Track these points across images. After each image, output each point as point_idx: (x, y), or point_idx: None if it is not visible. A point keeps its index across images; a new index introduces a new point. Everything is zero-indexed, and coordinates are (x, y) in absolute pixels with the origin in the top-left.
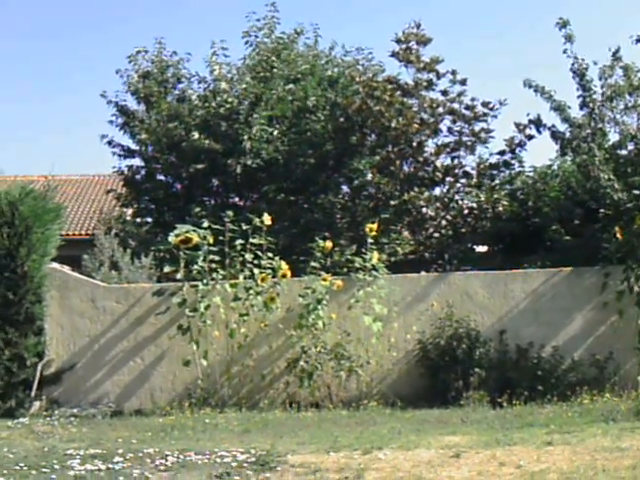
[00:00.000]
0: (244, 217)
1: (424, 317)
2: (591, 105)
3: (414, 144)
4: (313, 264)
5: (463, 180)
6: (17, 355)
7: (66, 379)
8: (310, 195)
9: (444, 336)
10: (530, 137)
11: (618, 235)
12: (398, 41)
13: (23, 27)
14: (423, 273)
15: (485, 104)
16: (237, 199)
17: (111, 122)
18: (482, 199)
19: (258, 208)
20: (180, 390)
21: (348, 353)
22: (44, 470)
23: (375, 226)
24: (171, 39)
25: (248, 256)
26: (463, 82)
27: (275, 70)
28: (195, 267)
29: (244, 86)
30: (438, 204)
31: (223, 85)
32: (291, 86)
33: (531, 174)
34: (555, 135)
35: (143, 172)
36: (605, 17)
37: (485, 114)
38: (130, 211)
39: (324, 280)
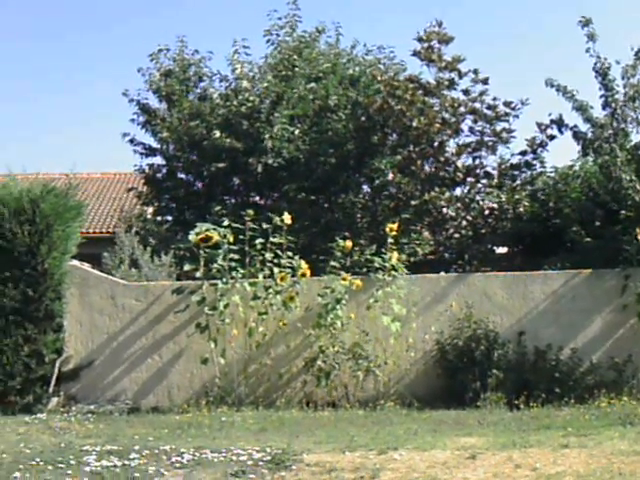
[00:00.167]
0: (264, 216)
1: (443, 318)
2: (613, 105)
3: (435, 144)
4: (333, 264)
5: (484, 180)
6: (36, 351)
7: (84, 376)
8: (331, 194)
9: (462, 337)
10: (552, 137)
11: (639, 237)
12: (420, 40)
13: (42, 24)
14: (442, 274)
15: (507, 104)
16: (258, 198)
17: (133, 120)
18: (503, 200)
19: (279, 207)
20: (197, 388)
21: (366, 353)
22: (60, 466)
23: (395, 226)
24: (193, 37)
25: (268, 255)
26: (485, 81)
27: (296, 69)
28: (215, 266)
29: (265, 85)
30: (459, 204)
31: (245, 84)
32: (312, 85)
33: (552, 175)
34: (577, 135)
35: (164, 170)
36: (628, 16)
37: (507, 114)
38: (151, 209)
39: (343, 280)
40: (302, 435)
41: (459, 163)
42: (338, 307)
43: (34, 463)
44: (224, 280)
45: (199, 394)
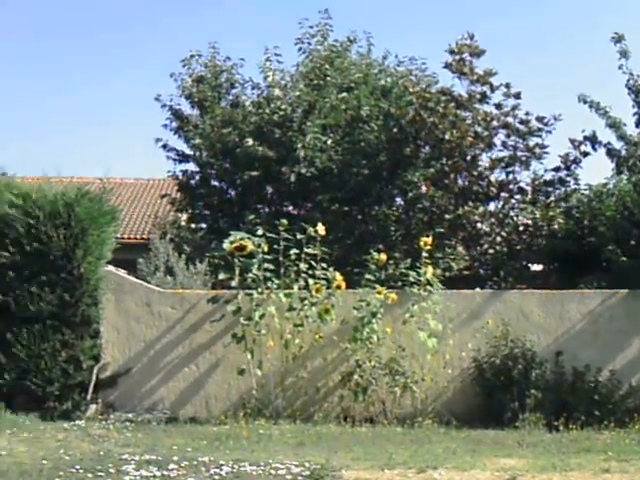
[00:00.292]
0: (298, 226)
1: (479, 334)
2: None
3: (468, 157)
4: (368, 276)
5: (518, 196)
6: (73, 357)
7: (121, 383)
8: (364, 206)
9: (499, 355)
10: (585, 154)
11: None
12: (451, 52)
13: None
14: (478, 290)
15: (539, 119)
16: (291, 207)
17: (165, 126)
18: (537, 216)
19: (312, 217)
20: (235, 399)
21: (403, 369)
22: (99, 474)
23: (430, 240)
24: (225, 44)
25: (302, 266)
26: (517, 96)
27: (328, 78)
28: (250, 275)
29: (297, 93)
30: (493, 220)
31: (277, 92)
32: (344, 95)
33: (586, 192)
34: (611, 153)
35: (197, 177)
36: None
37: (540, 129)
38: (185, 216)
39: (379, 293)
40: (340, 451)
41: (492, 178)
42: (374, 321)
43: (74, 470)
44: (259, 290)
45: (236, 405)
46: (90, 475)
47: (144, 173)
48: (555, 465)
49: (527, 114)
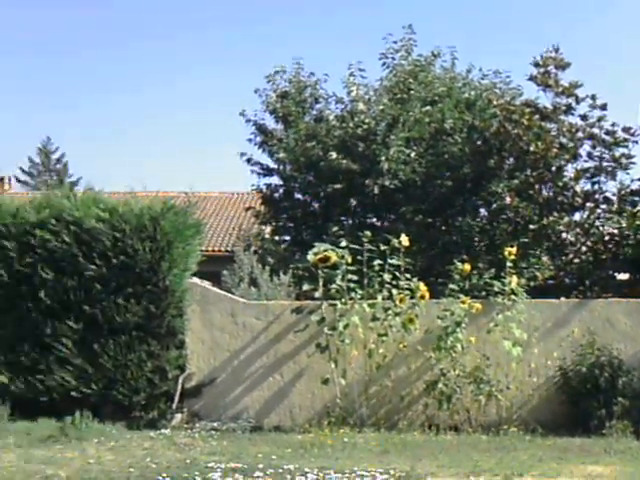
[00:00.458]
0: (381, 237)
1: (565, 343)
2: None
3: (553, 168)
4: (451, 286)
5: (604, 206)
6: (159, 367)
7: (206, 393)
8: (448, 217)
9: (585, 363)
10: None
11: None
12: (536, 65)
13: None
14: (563, 299)
15: (626, 129)
16: (374, 219)
17: (250, 140)
18: (623, 225)
19: (396, 229)
20: (319, 408)
21: (487, 377)
22: None
23: (514, 250)
24: (309, 60)
25: (386, 276)
26: (603, 107)
27: (412, 92)
28: (333, 286)
29: (381, 107)
30: (578, 229)
31: (360, 106)
32: (428, 108)
33: None
34: None
35: (281, 190)
36: None
37: (626, 139)
38: (269, 229)
39: (463, 303)
40: (425, 458)
41: (578, 188)
42: (458, 330)
43: (160, 478)
44: (343, 300)
45: (320, 414)
46: None
47: (229, 187)
48: None
49: (613, 125)
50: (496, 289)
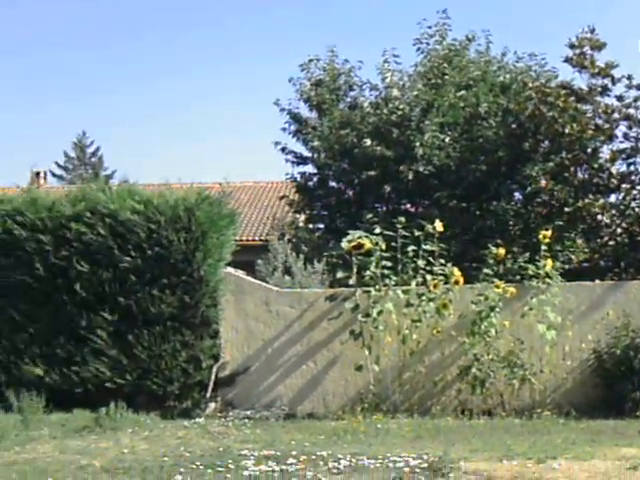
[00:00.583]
0: (416, 223)
1: (599, 326)
2: None
3: (588, 150)
4: (486, 271)
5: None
6: (193, 357)
7: (240, 382)
8: (482, 202)
9: (620, 346)
10: None
11: None
12: (572, 46)
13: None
14: (598, 281)
15: None
16: (409, 205)
17: (284, 129)
18: None
19: (430, 214)
20: (352, 395)
21: (521, 361)
22: (219, 469)
23: (549, 233)
24: (342, 47)
25: (420, 262)
26: (639, 87)
27: (446, 77)
28: (367, 273)
29: (416, 93)
30: (613, 211)
31: (395, 92)
32: (463, 93)
33: None
34: None
35: (316, 179)
36: None
37: None
38: (303, 217)
39: (497, 287)
40: (458, 443)
41: (613, 170)
42: (492, 315)
43: (194, 466)
44: (377, 287)
45: (354, 401)
46: (210, 471)
47: (263, 176)
48: None
49: None
50: (530, 273)
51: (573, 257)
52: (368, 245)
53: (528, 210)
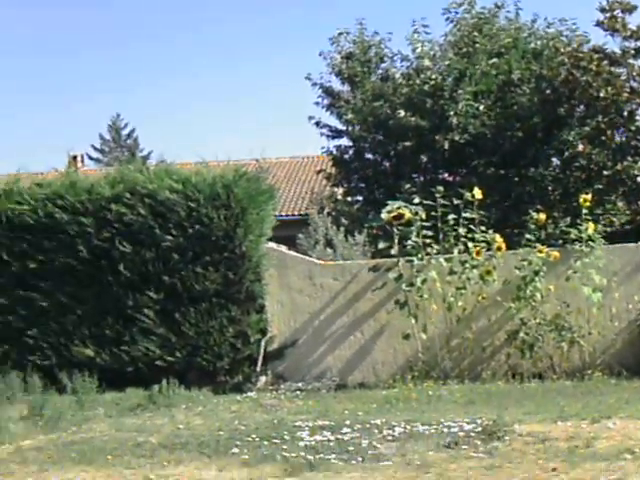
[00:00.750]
0: (454, 192)
1: None
2: None
3: (625, 113)
4: (528, 237)
5: None
6: (241, 332)
7: (289, 354)
8: (520, 168)
9: None
10: None
11: None
12: (602, 10)
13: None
14: None
15: None
16: (446, 175)
17: (317, 104)
18: None
19: (468, 183)
20: (401, 363)
21: (568, 324)
22: (275, 441)
23: (589, 197)
24: (372, 19)
25: (461, 230)
26: None
27: (477, 45)
28: (409, 242)
29: (447, 62)
30: None
31: (426, 62)
32: (494, 60)
33: None
34: None
35: (351, 151)
36: None
37: None
38: (341, 190)
39: (540, 252)
40: (511, 407)
41: None
42: (537, 279)
43: (250, 439)
44: (419, 256)
45: (403, 369)
46: (266, 443)
47: (299, 150)
48: None
49: None
50: (573, 237)
51: (615, 220)
52: (408, 215)
53: (567, 175)
